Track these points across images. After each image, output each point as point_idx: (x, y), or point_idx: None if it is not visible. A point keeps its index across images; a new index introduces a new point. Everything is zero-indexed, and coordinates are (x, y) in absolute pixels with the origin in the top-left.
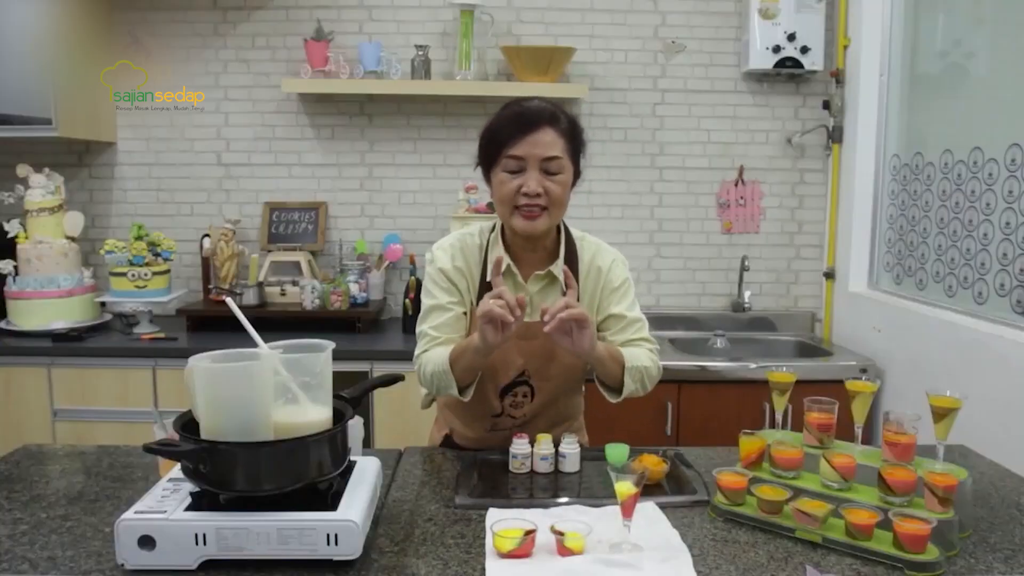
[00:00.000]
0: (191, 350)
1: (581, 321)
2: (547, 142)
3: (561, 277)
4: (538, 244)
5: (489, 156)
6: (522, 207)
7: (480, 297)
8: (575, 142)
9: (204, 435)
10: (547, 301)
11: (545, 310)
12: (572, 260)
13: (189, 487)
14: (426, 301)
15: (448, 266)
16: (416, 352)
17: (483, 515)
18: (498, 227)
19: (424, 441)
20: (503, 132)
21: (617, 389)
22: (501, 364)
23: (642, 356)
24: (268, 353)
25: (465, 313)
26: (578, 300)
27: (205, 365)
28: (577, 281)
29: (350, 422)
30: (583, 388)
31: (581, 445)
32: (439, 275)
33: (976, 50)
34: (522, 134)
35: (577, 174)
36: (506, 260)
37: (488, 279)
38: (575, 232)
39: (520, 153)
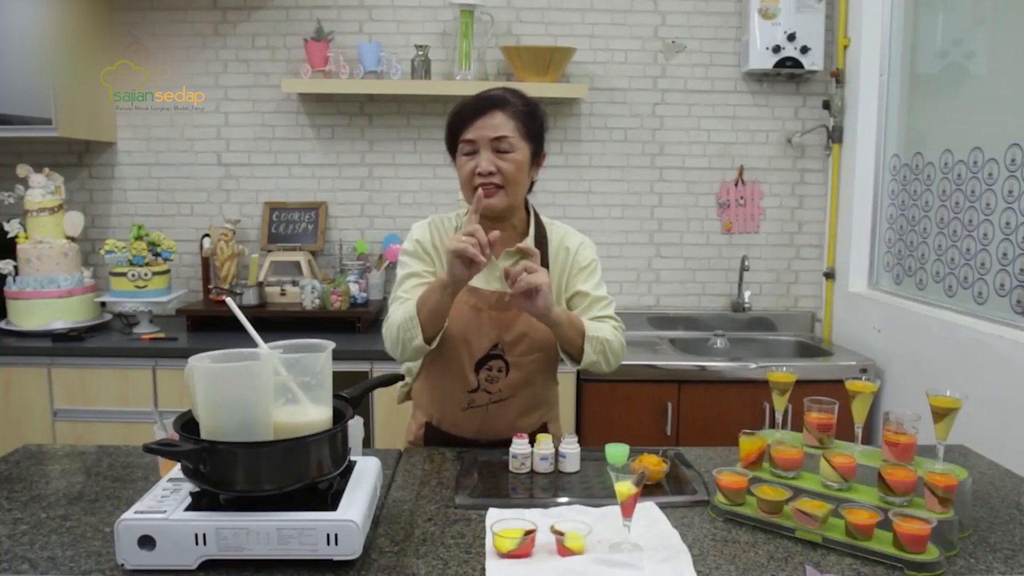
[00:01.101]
0: (191, 350)
1: (536, 287)
2: (495, 124)
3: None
4: (507, 224)
5: (450, 144)
6: (479, 187)
7: None
8: (530, 123)
9: (204, 435)
10: None
11: (508, 270)
12: (541, 240)
13: (189, 487)
14: (400, 272)
15: (426, 239)
16: (386, 317)
17: (483, 515)
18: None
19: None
20: (457, 120)
21: (577, 357)
22: (475, 336)
23: (604, 329)
24: (268, 353)
25: None
26: (553, 281)
27: (205, 365)
28: (547, 261)
29: (350, 422)
30: (557, 378)
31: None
32: (415, 246)
33: (976, 50)
34: (473, 119)
35: (539, 154)
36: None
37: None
38: (544, 218)
39: (472, 136)
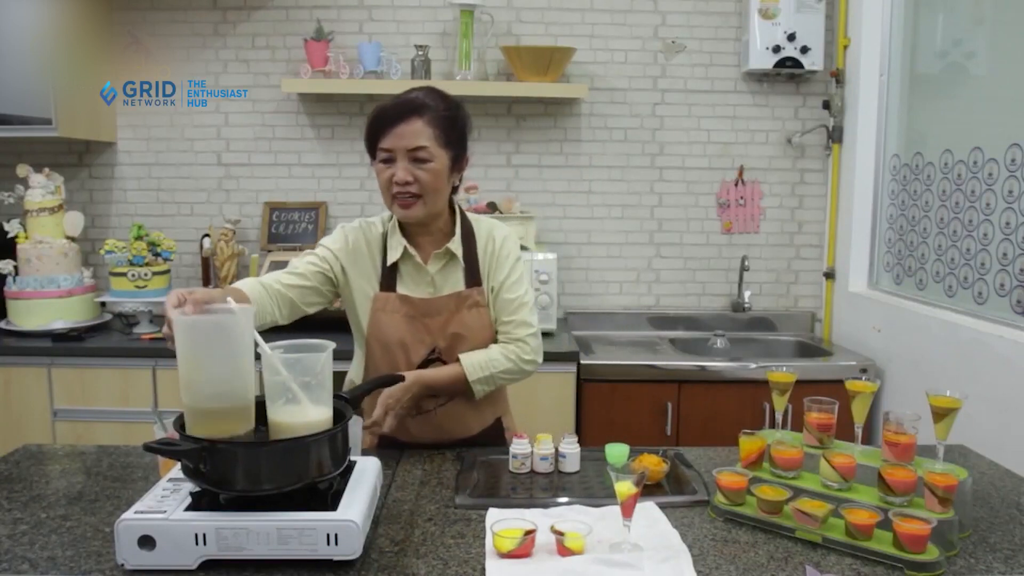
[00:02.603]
0: None
1: (384, 418)
2: (412, 132)
3: (459, 253)
4: (432, 227)
5: (369, 150)
6: (396, 196)
7: (382, 278)
8: (449, 129)
9: (182, 391)
10: (448, 279)
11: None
12: (469, 238)
13: (189, 487)
14: (304, 255)
15: (339, 246)
16: None
17: (483, 515)
18: (393, 217)
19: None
20: (374, 126)
21: (471, 396)
22: (412, 342)
23: (494, 362)
24: (269, 354)
25: (318, 287)
26: (478, 274)
27: (185, 317)
28: (476, 257)
29: (350, 422)
30: None
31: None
32: (325, 250)
33: (976, 50)
34: (389, 127)
35: (460, 159)
36: (403, 247)
37: (388, 264)
38: (470, 215)
39: (388, 146)
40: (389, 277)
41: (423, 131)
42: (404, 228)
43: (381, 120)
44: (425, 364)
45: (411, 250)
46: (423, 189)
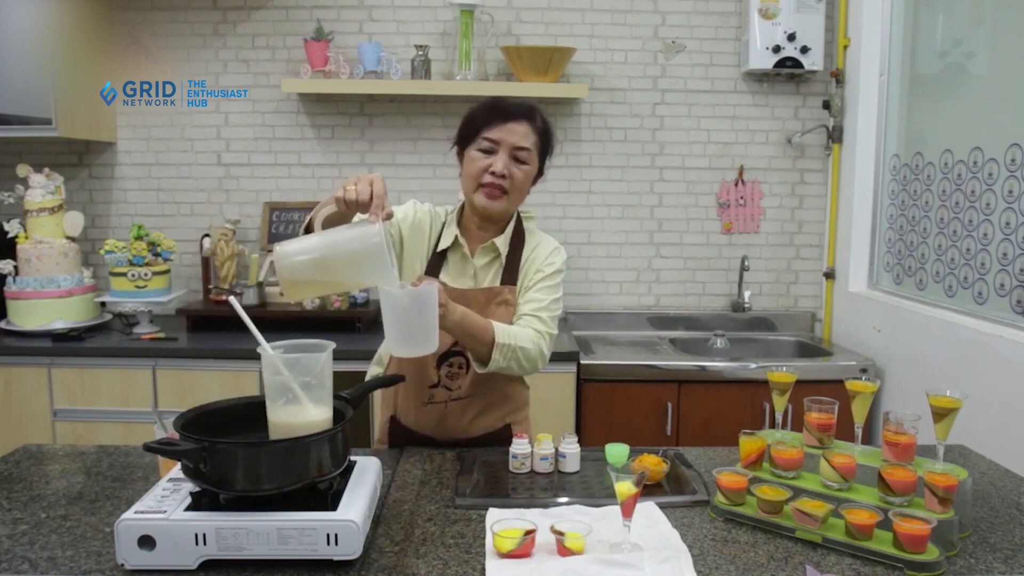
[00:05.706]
0: (191, 350)
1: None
2: (521, 132)
3: (503, 252)
4: (492, 225)
5: (466, 135)
6: (486, 185)
7: (428, 262)
8: (545, 142)
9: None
10: (489, 275)
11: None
12: (519, 243)
13: (189, 487)
14: None
15: (401, 215)
16: None
17: (483, 515)
18: (456, 208)
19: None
20: (483, 116)
21: (484, 362)
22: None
23: (521, 336)
24: (270, 354)
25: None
26: (516, 277)
27: (365, 224)
28: (520, 261)
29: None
30: (526, 381)
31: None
32: (406, 208)
33: (976, 50)
34: (500, 121)
35: (540, 173)
36: (454, 236)
37: (438, 250)
38: (527, 224)
39: (495, 137)
40: (436, 263)
41: (530, 135)
42: (462, 221)
43: (494, 112)
44: (447, 355)
45: (461, 240)
46: (513, 186)
